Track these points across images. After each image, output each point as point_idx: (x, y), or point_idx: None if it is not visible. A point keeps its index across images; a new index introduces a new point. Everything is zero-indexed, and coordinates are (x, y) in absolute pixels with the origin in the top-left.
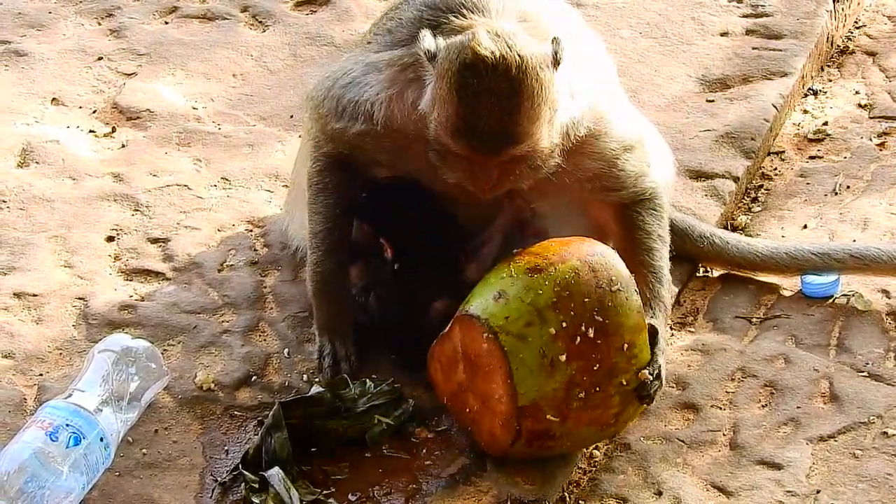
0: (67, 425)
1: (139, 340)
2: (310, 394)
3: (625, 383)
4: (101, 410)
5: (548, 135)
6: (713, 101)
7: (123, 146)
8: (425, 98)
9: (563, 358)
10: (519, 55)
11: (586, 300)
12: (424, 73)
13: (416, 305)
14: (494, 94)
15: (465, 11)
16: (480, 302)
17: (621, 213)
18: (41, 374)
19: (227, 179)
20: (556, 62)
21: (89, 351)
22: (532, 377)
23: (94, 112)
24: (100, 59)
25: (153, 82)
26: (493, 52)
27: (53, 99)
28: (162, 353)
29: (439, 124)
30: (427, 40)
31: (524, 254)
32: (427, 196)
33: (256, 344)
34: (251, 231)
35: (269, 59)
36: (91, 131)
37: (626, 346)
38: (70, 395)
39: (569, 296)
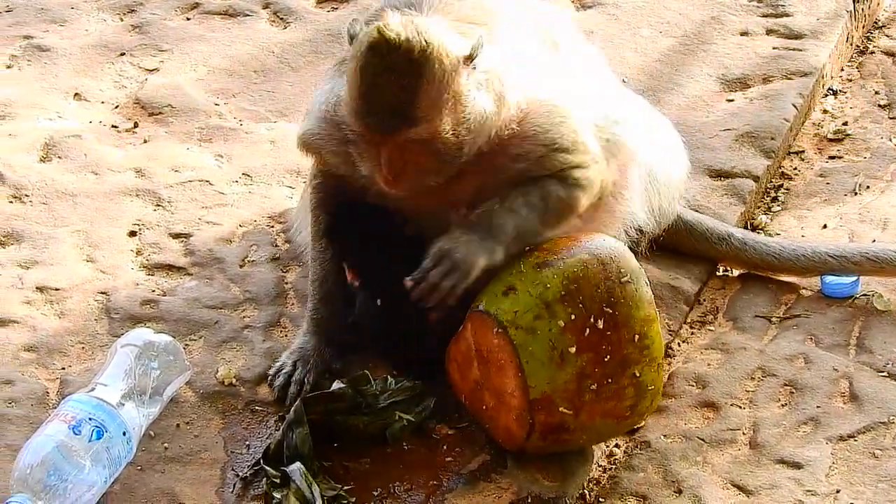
0: (90, 419)
1: (161, 335)
2: (331, 389)
3: (638, 374)
4: (124, 404)
5: (450, 123)
6: (733, 100)
7: (145, 141)
8: (344, 83)
9: (573, 350)
10: (425, 40)
11: (595, 292)
12: (347, 59)
13: (407, 329)
14: (394, 72)
15: (406, 9)
16: (490, 298)
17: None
18: (63, 368)
19: (248, 175)
20: (470, 56)
21: (111, 345)
22: (543, 369)
23: (117, 107)
24: (122, 54)
25: (175, 78)
26: (398, 34)
27: (76, 94)
28: (184, 348)
29: (346, 105)
30: (355, 24)
31: (534, 249)
32: (392, 219)
33: (278, 339)
34: (272, 227)
35: (291, 56)
36: (113, 126)
37: (637, 336)
38: (93, 389)
39: (577, 288)
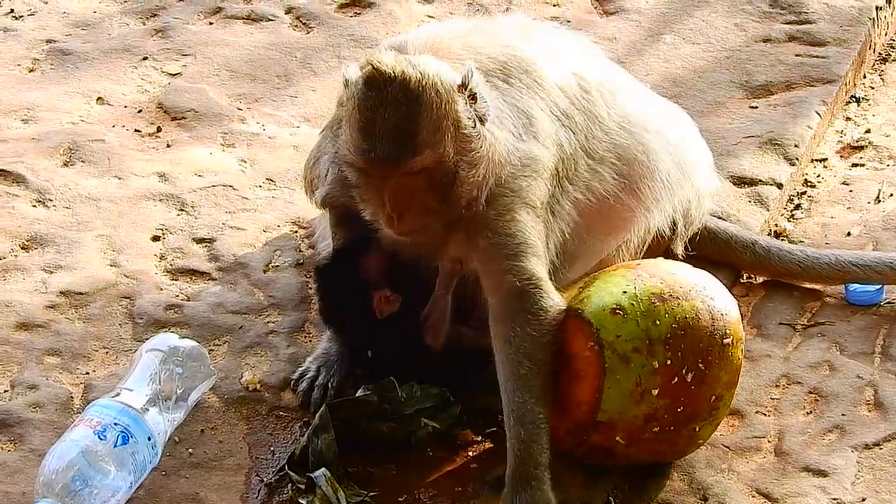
0: (115, 424)
1: (186, 340)
2: (356, 395)
3: (697, 429)
4: (149, 409)
5: (452, 151)
6: (756, 107)
7: (168, 146)
8: (343, 129)
9: (655, 392)
10: (420, 71)
11: (697, 345)
12: (344, 104)
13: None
14: (392, 103)
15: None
16: (598, 310)
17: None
18: (88, 373)
19: (271, 180)
20: (464, 84)
21: (136, 350)
22: (620, 399)
23: (140, 111)
24: (145, 58)
25: (198, 83)
26: (392, 67)
27: (98, 98)
28: (208, 353)
29: (347, 144)
30: (349, 69)
31: (650, 272)
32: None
33: (302, 345)
34: (296, 232)
35: (314, 61)
36: (136, 131)
37: (713, 398)
38: (118, 394)
39: (682, 335)
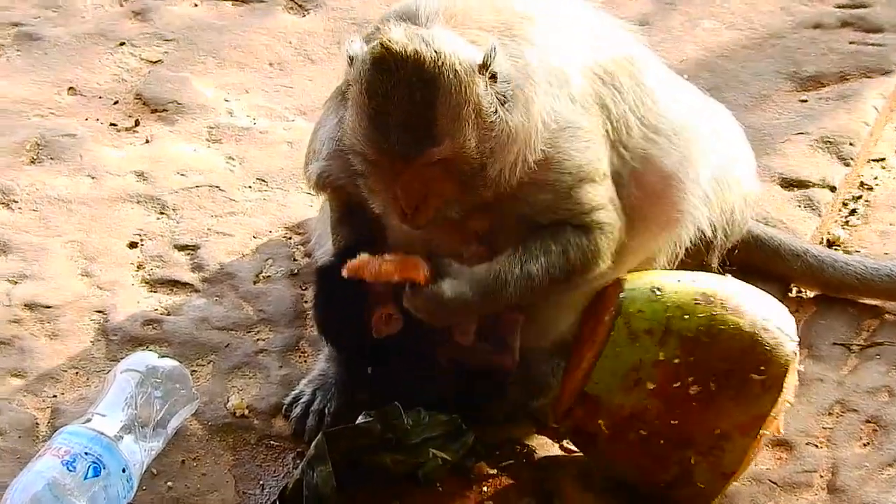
0: (86, 454)
1: (166, 360)
2: (356, 423)
3: (691, 462)
4: (123, 438)
5: (473, 139)
6: (806, 100)
7: (147, 142)
8: (348, 110)
9: (650, 387)
10: (435, 50)
11: (718, 364)
12: (350, 83)
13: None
14: (406, 88)
15: (410, 20)
16: (638, 283)
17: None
18: (55, 396)
19: (263, 180)
20: (485, 64)
21: (110, 371)
22: (612, 377)
23: (116, 103)
24: (122, 44)
25: (181, 71)
26: (404, 46)
27: (70, 88)
28: (191, 375)
29: (354, 132)
30: (353, 44)
31: (719, 280)
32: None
33: (296, 365)
34: (290, 238)
35: (310, 47)
36: (112, 124)
37: (718, 431)
38: (89, 420)
39: (706, 344)
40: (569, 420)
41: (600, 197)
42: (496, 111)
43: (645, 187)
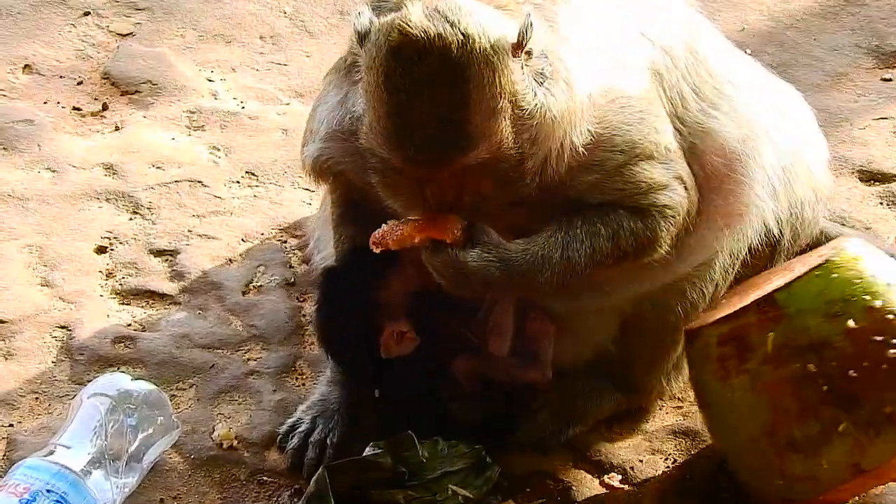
0: (48, 491)
1: (140, 382)
2: (363, 455)
3: (839, 429)
4: (91, 473)
5: (511, 134)
6: (890, 79)
7: (117, 129)
8: (359, 96)
9: (850, 325)
10: (462, 33)
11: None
12: (360, 64)
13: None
14: (432, 85)
15: None
16: (808, 300)
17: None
18: (11, 425)
19: (253, 174)
20: (520, 44)
21: (75, 395)
22: (812, 297)
23: (80, 83)
24: (86, 13)
25: (156, 45)
26: (425, 32)
27: (26, 66)
28: (170, 400)
29: (369, 129)
30: (361, 17)
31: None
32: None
33: (292, 389)
34: (285, 242)
35: (308, 17)
36: (75, 109)
37: (889, 411)
38: (51, 452)
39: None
40: (731, 320)
41: (660, 175)
42: (535, 94)
43: (706, 167)
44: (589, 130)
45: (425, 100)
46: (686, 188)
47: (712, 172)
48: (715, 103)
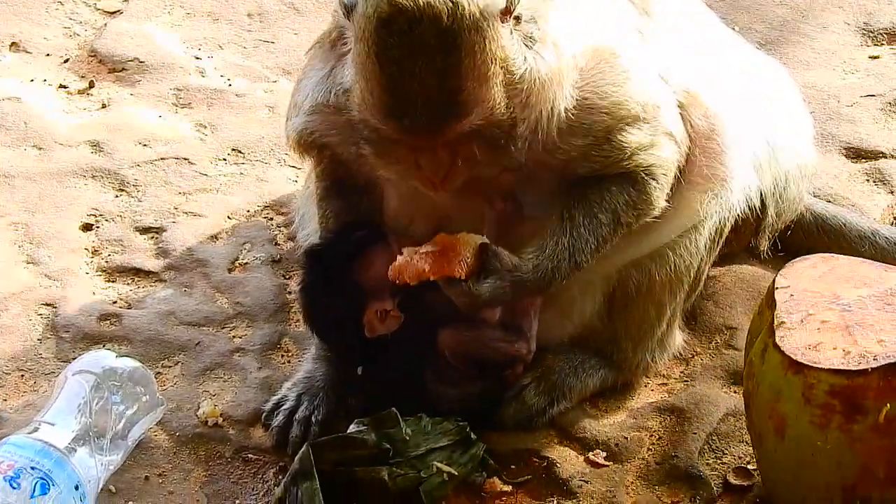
0: (32, 468)
1: (125, 360)
2: (348, 432)
3: None
4: (76, 450)
5: (503, 99)
6: (878, 56)
7: (104, 106)
8: (347, 70)
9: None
10: (451, 1)
11: None
12: (347, 37)
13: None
14: (423, 53)
15: None
16: None
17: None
18: None
19: (239, 151)
20: (508, 9)
21: (60, 373)
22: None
23: (66, 61)
24: None
25: (143, 23)
26: (414, 1)
27: (13, 44)
28: (155, 377)
29: (362, 101)
30: None
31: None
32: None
33: (277, 366)
34: (271, 219)
35: None
36: (62, 86)
37: None
38: (35, 430)
39: None
40: (850, 377)
41: (644, 136)
42: (524, 59)
43: (690, 124)
44: (576, 91)
45: (418, 69)
46: (676, 142)
47: (696, 131)
48: (697, 67)
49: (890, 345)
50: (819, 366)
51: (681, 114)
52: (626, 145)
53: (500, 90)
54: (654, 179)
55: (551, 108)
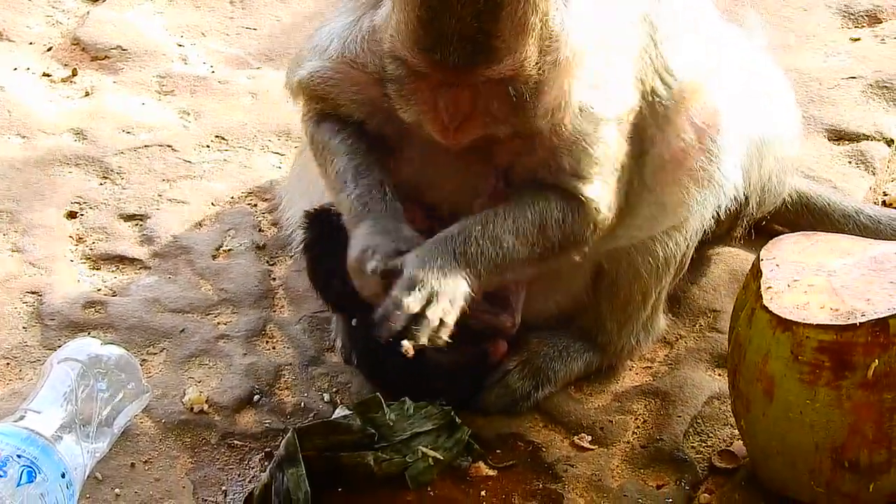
0: (18, 456)
1: (111, 347)
2: (333, 417)
3: None
4: (62, 438)
5: (536, 54)
6: (859, 38)
7: (87, 94)
8: (382, 9)
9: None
10: None
11: None
12: None
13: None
14: None
15: None
16: None
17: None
18: None
19: (223, 138)
20: None
21: (45, 360)
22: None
23: (49, 49)
24: None
25: (125, 11)
26: None
27: None
28: (140, 364)
29: (397, 33)
30: None
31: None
32: None
33: (262, 353)
34: (255, 206)
35: None
36: (45, 75)
37: None
38: (21, 418)
39: None
40: (838, 332)
41: (591, 166)
42: (562, 21)
43: (694, 118)
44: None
45: (459, 5)
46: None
47: (699, 126)
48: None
49: (877, 302)
50: (807, 321)
51: (681, 107)
52: (574, 162)
53: (534, 45)
54: (584, 212)
55: (570, 89)
